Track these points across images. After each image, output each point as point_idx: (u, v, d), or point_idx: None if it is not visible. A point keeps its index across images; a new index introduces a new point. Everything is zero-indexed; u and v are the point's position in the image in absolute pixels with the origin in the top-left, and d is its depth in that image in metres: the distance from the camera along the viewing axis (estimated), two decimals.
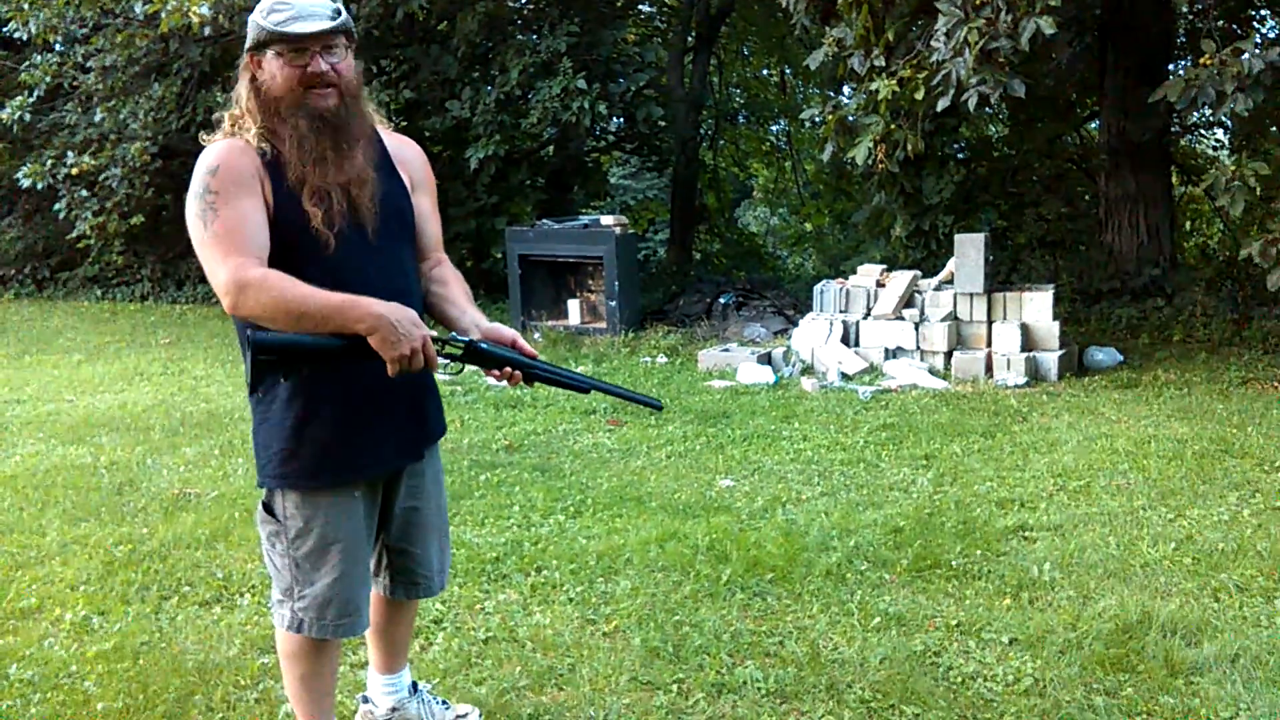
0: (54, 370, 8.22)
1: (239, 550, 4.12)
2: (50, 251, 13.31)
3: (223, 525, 4.40)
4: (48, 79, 10.40)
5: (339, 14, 2.20)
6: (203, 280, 12.56)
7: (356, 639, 3.00)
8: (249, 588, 3.76)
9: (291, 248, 2.16)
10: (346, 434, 2.27)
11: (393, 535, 2.48)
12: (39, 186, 10.63)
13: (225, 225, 2.09)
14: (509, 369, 2.30)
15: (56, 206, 11.06)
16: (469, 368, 2.34)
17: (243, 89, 2.23)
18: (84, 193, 10.92)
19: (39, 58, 10.34)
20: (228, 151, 2.16)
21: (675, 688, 2.99)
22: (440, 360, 2.21)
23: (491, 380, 2.36)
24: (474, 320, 2.37)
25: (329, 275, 2.16)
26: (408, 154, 2.45)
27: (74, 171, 10.42)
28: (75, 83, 11.17)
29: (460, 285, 2.48)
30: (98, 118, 10.72)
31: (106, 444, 5.83)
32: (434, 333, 2.21)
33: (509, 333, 2.36)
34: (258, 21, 2.17)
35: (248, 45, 2.21)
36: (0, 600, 3.68)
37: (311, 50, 2.16)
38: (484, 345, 2.30)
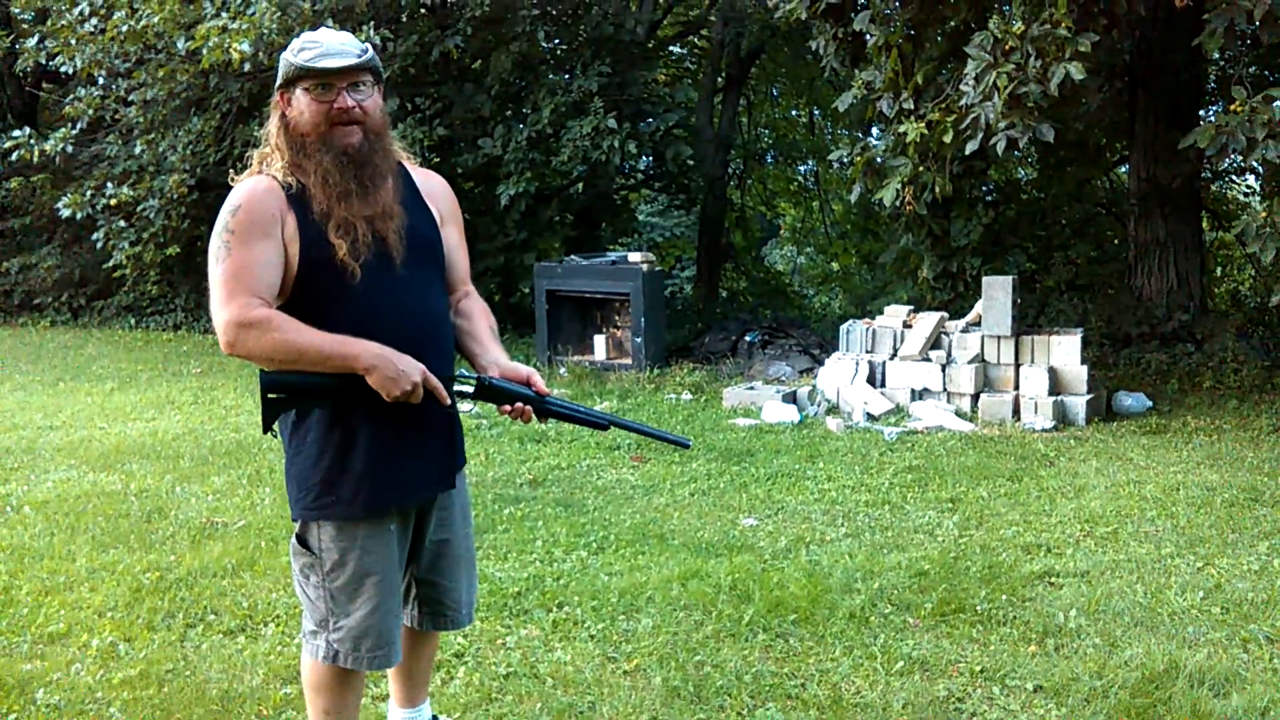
0: (87, 398, 8.34)
1: (264, 580, 4.15)
2: (86, 280, 13.54)
3: (249, 555, 4.44)
4: (90, 111, 10.63)
5: (366, 52, 2.27)
6: None
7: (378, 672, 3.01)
8: (273, 617, 3.79)
9: (318, 279, 2.22)
10: (383, 464, 2.30)
11: (422, 567, 2.51)
12: (78, 216, 10.84)
13: (236, 265, 2.16)
14: (520, 404, 2.33)
15: (95, 236, 11.27)
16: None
17: (273, 125, 2.30)
18: (122, 223, 11.12)
19: (83, 91, 10.58)
20: (251, 191, 2.23)
21: None
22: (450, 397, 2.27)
23: (506, 415, 2.38)
24: (495, 359, 2.41)
25: (356, 306, 2.21)
26: (434, 187, 2.50)
27: (113, 202, 10.63)
28: (116, 116, 11.43)
29: (486, 319, 2.52)
30: (137, 150, 10.95)
31: (136, 471, 5.90)
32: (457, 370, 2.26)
33: (525, 370, 2.40)
34: (287, 58, 2.25)
35: (278, 82, 2.29)
36: (29, 625, 3.72)
37: (338, 87, 2.22)
38: (495, 381, 2.34)
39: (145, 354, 10.93)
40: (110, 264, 11.45)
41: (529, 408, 2.35)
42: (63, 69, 10.25)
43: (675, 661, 3.38)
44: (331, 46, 2.23)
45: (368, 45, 2.29)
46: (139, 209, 11.01)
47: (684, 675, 3.28)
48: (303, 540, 2.34)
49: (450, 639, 3.52)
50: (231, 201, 2.22)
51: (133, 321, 13.15)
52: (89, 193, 10.89)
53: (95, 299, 13.65)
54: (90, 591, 4.06)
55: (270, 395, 2.21)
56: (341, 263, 2.21)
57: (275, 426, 2.32)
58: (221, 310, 2.15)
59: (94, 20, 9.56)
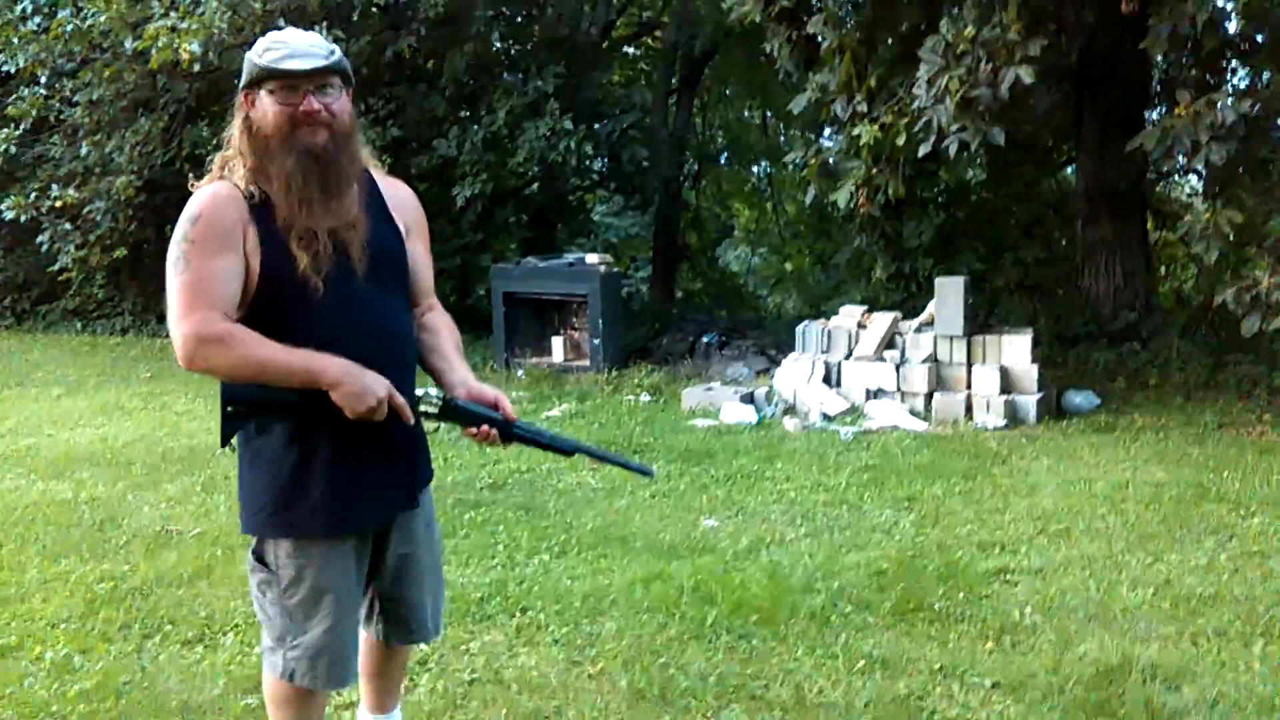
0: (33, 404, 8.17)
1: (222, 589, 4.10)
2: (30, 284, 13.25)
3: (205, 563, 4.39)
4: (34, 112, 10.41)
5: (333, 54, 2.21)
6: None
7: None
8: (232, 626, 3.75)
9: (278, 293, 2.16)
10: (343, 482, 2.24)
11: (386, 582, 2.45)
12: (22, 219, 10.60)
13: (195, 276, 2.11)
14: (486, 428, 2.31)
15: (39, 239, 11.03)
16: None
17: (235, 127, 2.23)
18: (67, 225, 10.90)
19: (26, 90, 10.35)
20: (212, 200, 2.16)
21: None
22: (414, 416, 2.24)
23: (471, 438, 2.35)
24: (462, 378, 2.36)
25: (318, 320, 2.16)
26: (402, 198, 2.43)
27: (58, 204, 10.41)
28: (60, 116, 11.19)
29: (451, 335, 2.48)
30: (83, 151, 10.73)
31: (87, 479, 5.79)
32: (421, 390, 2.24)
33: (492, 392, 2.35)
34: (252, 59, 2.18)
35: (242, 83, 2.22)
36: None
37: (304, 89, 2.16)
38: (461, 403, 2.29)
39: (92, 359, 10.72)
40: (56, 267, 11.21)
41: (495, 431, 2.32)
42: (3, 68, 10.01)
43: (640, 664, 3.40)
44: (298, 47, 2.17)
45: (335, 47, 2.24)
46: (85, 211, 10.79)
47: (649, 678, 3.30)
48: (259, 555, 2.31)
49: (414, 646, 3.50)
50: (191, 209, 2.15)
51: (79, 326, 12.88)
52: (33, 194, 10.65)
53: (40, 303, 13.35)
54: (42, 603, 3.99)
55: (229, 408, 2.17)
56: (303, 276, 2.15)
57: (234, 440, 2.27)
58: (180, 324, 2.10)
59: (37, 19, 9.36)
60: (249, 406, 2.18)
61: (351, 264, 2.22)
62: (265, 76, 2.16)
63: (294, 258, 2.15)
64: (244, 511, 2.31)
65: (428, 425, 2.33)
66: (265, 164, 2.18)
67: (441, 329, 2.47)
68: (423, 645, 3.49)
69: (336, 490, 2.24)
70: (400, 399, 2.19)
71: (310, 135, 2.16)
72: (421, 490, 2.47)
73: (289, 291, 2.16)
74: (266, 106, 2.17)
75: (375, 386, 2.15)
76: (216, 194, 2.17)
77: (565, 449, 2.45)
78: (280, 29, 8.73)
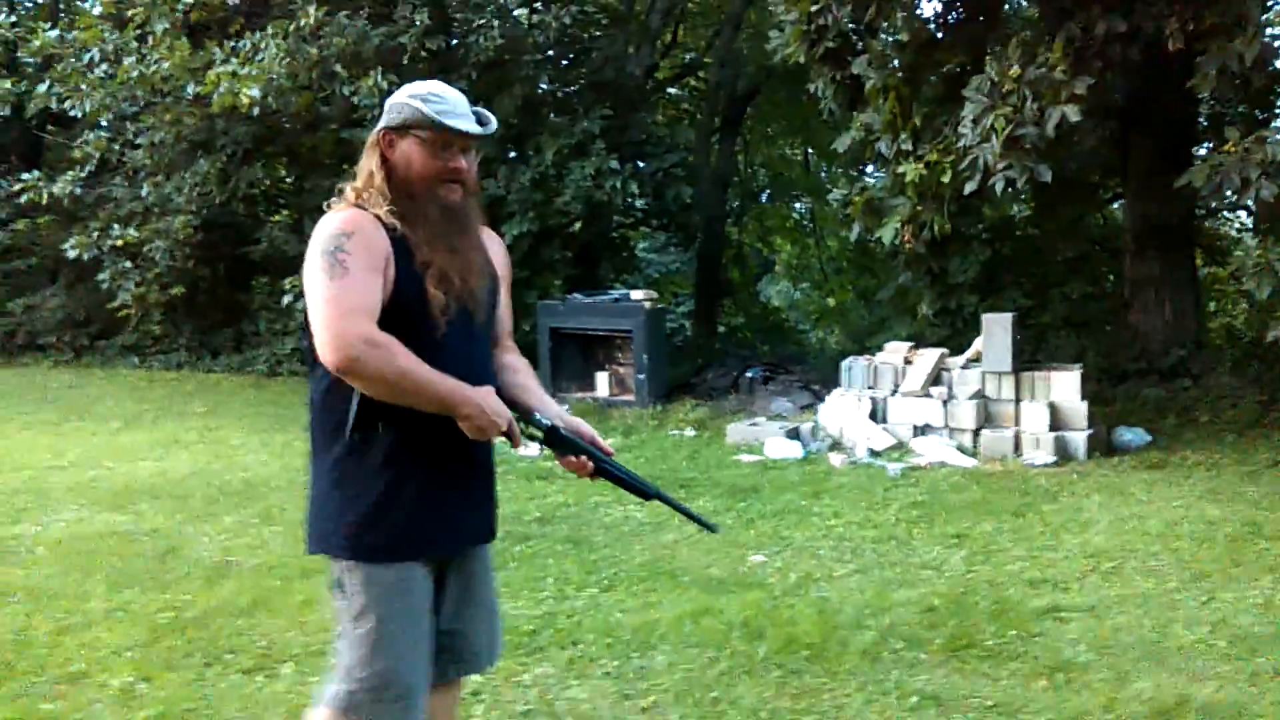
0: (93, 437, 8.39)
1: (280, 619, 4.19)
2: (90, 320, 13.63)
3: (263, 593, 4.48)
4: (98, 155, 10.77)
5: (486, 120, 2.28)
6: (237, 350, 12.82)
7: None
8: (290, 656, 3.82)
9: (404, 327, 2.18)
10: (431, 509, 2.27)
11: (445, 616, 2.41)
12: (85, 257, 10.93)
13: (355, 284, 2.10)
14: (585, 459, 2.34)
15: (100, 276, 11.36)
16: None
17: (372, 165, 2.25)
18: (127, 264, 11.22)
19: (91, 134, 10.71)
20: (362, 220, 2.18)
21: None
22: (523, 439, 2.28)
23: (566, 466, 2.38)
24: (557, 412, 2.39)
25: (431, 357, 2.17)
26: (496, 250, 2.49)
27: (119, 243, 10.73)
28: (122, 159, 11.57)
29: (531, 374, 2.52)
30: (144, 192, 11.07)
31: (147, 511, 5.94)
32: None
33: (588, 429, 2.39)
34: (413, 105, 2.21)
35: (388, 124, 2.24)
36: (47, 665, 3.75)
37: (455, 147, 2.23)
38: (565, 432, 2.33)
39: (149, 393, 10.97)
40: (115, 304, 11.53)
41: (590, 463, 2.35)
42: (71, 112, 10.38)
43: (691, 698, 3.42)
44: (458, 105, 2.23)
45: (486, 113, 2.30)
46: (145, 249, 11.11)
47: (700, 712, 3.32)
48: (339, 582, 2.28)
49: (468, 678, 3.56)
50: (340, 226, 2.16)
51: (136, 361, 13.21)
52: (95, 234, 10.99)
53: (98, 339, 13.73)
54: (107, 631, 4.09)
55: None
56: (432, 314, 2.20)
57: (315, 448, 2.29)
58: (339, 323, 2.06)
59: (104, 66, 9.71)
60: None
61: (471, 308, 2.29)
62: (424, 125, 2.20)
63: (428, 295, 2.21)
64: (319, 531, 2.29)
65: (530, 448, 2.37)
66: (406, 208, 2.23)
67: (522, 368, 2.52)
68: (476, 676, 3.55)
69: (424, 516, 2.27)
70: (516, 431, 2.24)
71: (450, 192, 2.25)
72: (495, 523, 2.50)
73: (415, 325, 2.20)
74: (413, 154, 2.22)
75: (502, 412, 2.20)
76: (363, 219, 2.19)
77: (646, 492, 2.46)
78: (339, 76, 8.95)
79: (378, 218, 2.19)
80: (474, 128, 2.23)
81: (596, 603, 4.38)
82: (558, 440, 2.33)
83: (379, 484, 2.23)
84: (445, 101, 2.22)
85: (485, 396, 2.18)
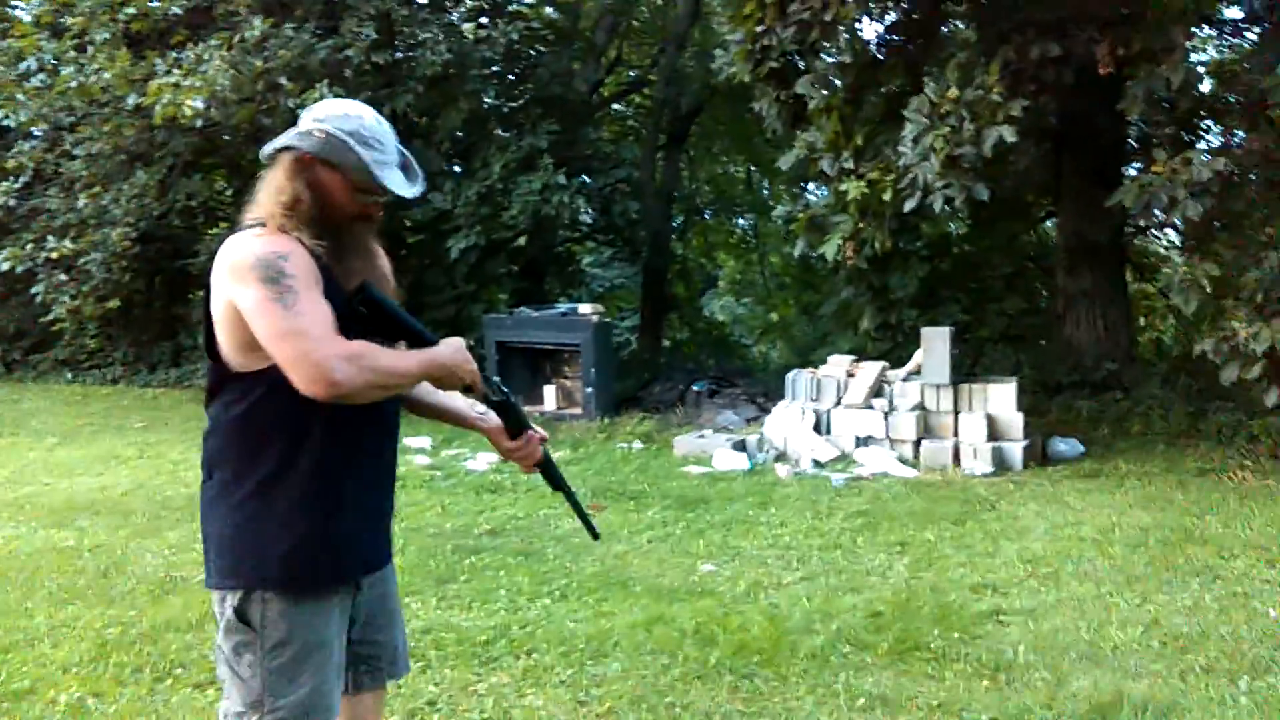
0: (29, 453, 8.20)
1: None
2: (21, 334, 13.30)
3: (210, 609, 4.43)
4: (32, 166, 10.55)
5: (417, 178, 2.25)
6: (175, 364, 12.60)
7: None
8: None
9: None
10: (360, 531, 2.25)
11: (356, 629, 2.35)
12: (18, 270, 10.69)
13: (309, 306, 2.04)
14: (531, 447, 2.37)
15: (34, 289, 11.11)
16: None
17: (297, 187, 2.15)
18: (62, 276, 10.99)
19: (26, 144, 10.50)
20: (294, 245, 2.10)
21: None
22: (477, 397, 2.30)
23: (510, 455, 2.40)
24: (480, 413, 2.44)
25: None
26: (387, 267, 2.44)
27: (54, 255, 10.51)
28: (58, 170, 11.34)
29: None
30: (80, 204, 10.85)
31: (88, 527, 5.84)
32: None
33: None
34: (356, 151, 2.14)
35: (319, 153, 2.15)
36: None
37: (380, 198, 2.20)
38: (515, 401, 2.35)
39: (85, 408, 10.75)
40: (49, 317, 11.27)
41: (538, 450, 2.38)
42: (5, 122, 10.16)
43: (646, 704, 3.48)
44: (391, 152, 2.20)
45: (417, 170, 2.28)
46: (80, 262, 10.89)
47: (655, 717, 3.38)
48: (241, 615, 2.16)
49: (423, 687, 3.58)
50: (273, 248, 2.08)
51: (69, 375, 12.91)
52: (29, 245, 10.75)
53: (31, 352, 13.40)
54: (52, 648, 4.03)
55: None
56: (359, 336, 2.16)
57: (210, 480, 2.24)
58: (310, 346, 1.99)
59: (41, 75, 9.54)
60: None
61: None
62: (359, 173, 2.14)
63: (353, 319, 2.16)
64: (236, 565, 2.17)
65: (479, 407, 2.37)
66: (324, 234, 2.16)
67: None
68: (427, 683, 3.58)
69: (355, 541, 2.25)
70: (479, 380, 2.25)
71: (364, 230, 2.24)
72: None
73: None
74: (334, 188, 2.17)
75: (468, 358, 2.20)
76: (290, 239, 2.12)
77: (562, 487, 2.51)
78: (284, 89, 8.85)
79: (301, 242, 2.12)
80: (409, 191, 2.20)
81: (550, 613, 4.42)
82: (510, 409, 2.33)
83: (309, 512, 2.17)
84: (384, 149, 2.17)
85: (448, 358, 2.17)
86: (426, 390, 2.44)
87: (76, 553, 5.33)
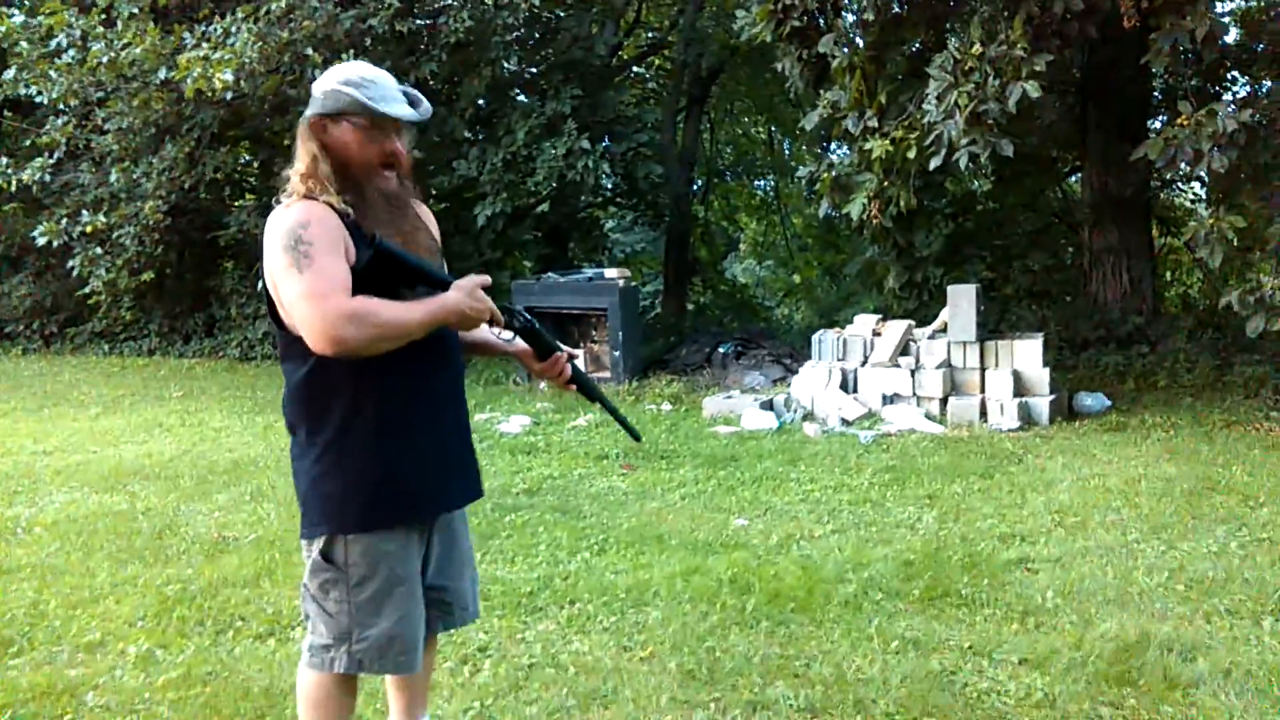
0: (73, 423, 8.42)
1: (284, 588, 4.33)
2: (58, 307, 13.56)
3: (265, 565, 4.62)
4: (64, 141, 10.71)
5: (419, 102, 2.35)
6: (209, 335, 12.83)
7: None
8: (298, 622, 3.96)
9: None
10: (426, 476, 2.40)
11: (430, 572, 2.52)
12: (54, 244, 10.89)
13: (323, 270, 2.15)
14: (560, 365, 2.50)
15: (70, 263, 11.32)
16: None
17: (312, 152, 2.28)
18: (97, 250, 11.19)
19: (58, 120, 10.66)
20: (315, 209, 2.21)
21: (712, 705, 3.22)
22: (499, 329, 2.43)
23: (543, 374, 2.54)
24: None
25: None
26: (430, 220, 2.59)
27: (88, 229, 10.69)
28: (89, 144, 11.51)
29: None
30: (112, 178, 11.02)
31: (139, 492, 6.03)
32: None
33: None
34: (346, 92, 2.25)
35: (322, 110, 2.28)
36: (64, 636, 3.87)
37: (390, 131, 2.29)
38: (538, 326, 2.47)
39: (123, 379, 10.98)
40: (85, 290, 11.50)
41: (568, 366, 2.50)
42: (38, 98, 10.32)
43: (687, 648, 3.62)
44: (388, 88, 2.28)
45: (419, 95, 2.37)
46: (114, 235, 11.08)
47: (697, 659, 3.52)
48: (327, 555, 2.35)
49: (472, 634, 3.74)
50: (297, 218, 2.20)
51: (106, 348, 13.17)
52: (64, 220, 10.94)
53: (67, 326, 13.66)
54: (116, 604, 4.21)
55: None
56: (395, 292, 2.28)
57: (294, 439, 2.40)
58: (316, 307, 2.11)
59: (72, 51, 9.66)
60: None
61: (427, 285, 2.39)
62: (358, 112, 2.26)
63: (376, 269, 2.28)
64: (319, 514, 2.34)
65: (504, 334, 2.47)
66: (348, 191, 2.29)
67: None
68: (477, 629, 3.73)
69: (423, 484, 2.41)
70: (498, 313, 2.37)
71: (387, 179, 2.33)
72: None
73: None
74: (349, 139, 2.27)
75: (481, 299, 2.30)
76: (316, 209, 2.24)
77: (598, 397, 2.64)
78: (310, 59, 8.97)
79: (329, 205, 2.23)
80: (409, 113, 2.30)
81: (589, 566, 4.57)
82: (535, 334, 2.47)
83: (376, 460, 2.32)
84: (378, 86, 2.27)
85: (457, 303, 2.26)
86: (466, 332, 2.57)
87: (130, 516, 5.52)
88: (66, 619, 4.04)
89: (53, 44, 9.80)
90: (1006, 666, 3.43)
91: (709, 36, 15.24)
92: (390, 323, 2.17)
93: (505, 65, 11.38)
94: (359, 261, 2.24)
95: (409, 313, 2.20)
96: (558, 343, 2.57)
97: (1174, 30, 6.71)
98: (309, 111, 2.32)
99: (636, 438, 2.79)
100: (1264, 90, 8.16)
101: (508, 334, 2.48)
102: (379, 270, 2.23)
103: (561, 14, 13.01)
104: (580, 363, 9.68)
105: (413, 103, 2.36)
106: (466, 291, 2.29)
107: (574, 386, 2.59)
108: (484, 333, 2.57)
